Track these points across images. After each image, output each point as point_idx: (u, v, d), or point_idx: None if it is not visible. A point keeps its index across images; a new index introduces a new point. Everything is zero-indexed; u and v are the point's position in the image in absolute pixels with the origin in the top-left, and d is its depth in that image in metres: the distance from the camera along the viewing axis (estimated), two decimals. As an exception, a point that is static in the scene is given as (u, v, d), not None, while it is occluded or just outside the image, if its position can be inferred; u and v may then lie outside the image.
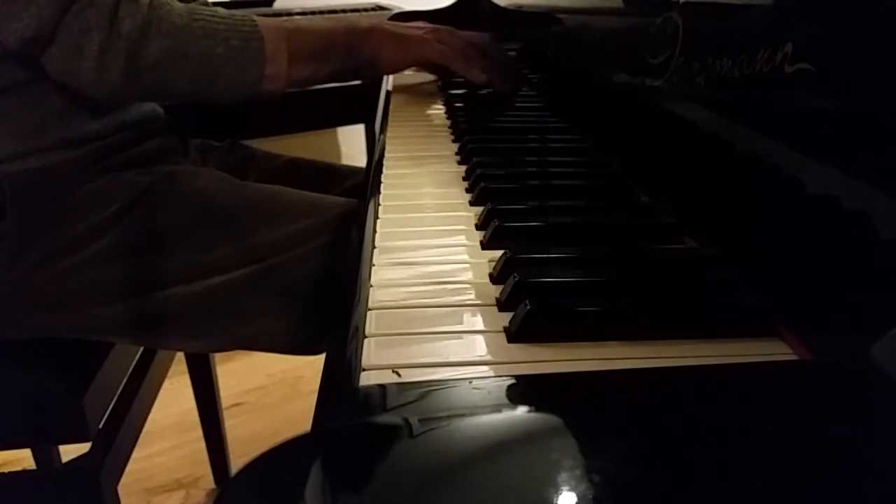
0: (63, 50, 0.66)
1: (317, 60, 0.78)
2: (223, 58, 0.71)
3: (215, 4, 0.99)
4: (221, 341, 0.73)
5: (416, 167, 0.65)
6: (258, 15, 1.02)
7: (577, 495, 0.20)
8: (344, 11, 1.56)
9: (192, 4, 0.73)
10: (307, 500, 0.21)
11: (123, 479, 0.77)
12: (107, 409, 0.76)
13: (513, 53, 1.13)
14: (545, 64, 0.97)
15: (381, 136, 0.76)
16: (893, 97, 0.32)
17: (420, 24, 0.90)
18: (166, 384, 0.95)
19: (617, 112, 0.68)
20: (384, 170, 0.64)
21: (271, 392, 1.56)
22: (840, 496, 0.21)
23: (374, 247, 0.47)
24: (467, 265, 0.44)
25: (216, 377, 1.23)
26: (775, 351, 0.35)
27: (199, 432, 1.27)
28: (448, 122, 0.82)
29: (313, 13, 1.51)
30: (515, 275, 0.39)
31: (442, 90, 0.99)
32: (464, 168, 0.63)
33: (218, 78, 0.72)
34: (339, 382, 0.33)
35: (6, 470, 0.76)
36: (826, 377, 0.29)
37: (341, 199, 0.77)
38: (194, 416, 1.25)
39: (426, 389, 0.29)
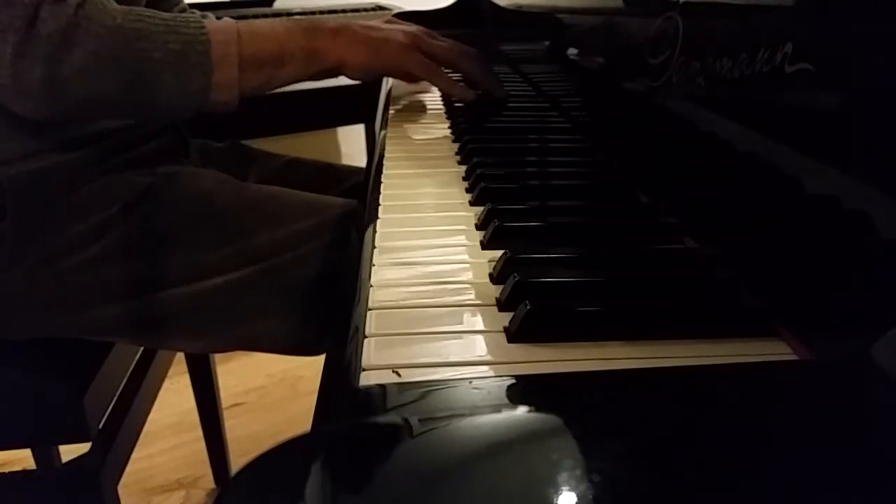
0: None
1: (272, 66, 0.70)
2: (160, 63, 0.64)
3: (213, 5, 0.99)
4: (221, 341, 0.73)
5: (416, 167, 0.65)
6: (258, 16, 1.01)
7: (577, 495, 0.20)
8: (344, 11, 1.56)
9: (133, 7, 0.66)
10: (307, 500, 0.21)
11: (123, 479, 0.77)
12: (107, 409, 0.76)
13: (514, 54, 1.13)
14: (545, 64, 0.97)
15: (381, 136, 0.76)
16: (893, 97, 0.32)
17: (400, 25, 0.82)
18: (166, 384, 0.95)
19: (617, 112, 0.68)
20: (384, 170, 0.64)
21: (271, 392, 1.56)
22: (840, 496, 0.21)
23: (374, 247, 0.47)
24: (467, 265, 0.44)
25: (216, 377, 1.23)
26: (775, 351, 0.35)
27: (199, 432, 1.27)
28: (448, 122, 0.82)
29: (313, 13, 1.51)
30: (515, 275, 0.39)
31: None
32: (464, 168, 0.63)
33: (157, 86, 0.65)
34: (339, 382, 0.33)
35: (6, 470, 0.76)
36: (826, 377, 0.29)
37: (341, 200, 0.77)
38: (194, 416, 1.25)
39: (426, 389, 0.29)
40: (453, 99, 0.84)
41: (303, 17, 1.46)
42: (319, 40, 0.73)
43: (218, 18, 0.76)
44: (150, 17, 0.65)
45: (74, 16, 0.61)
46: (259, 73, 0.70)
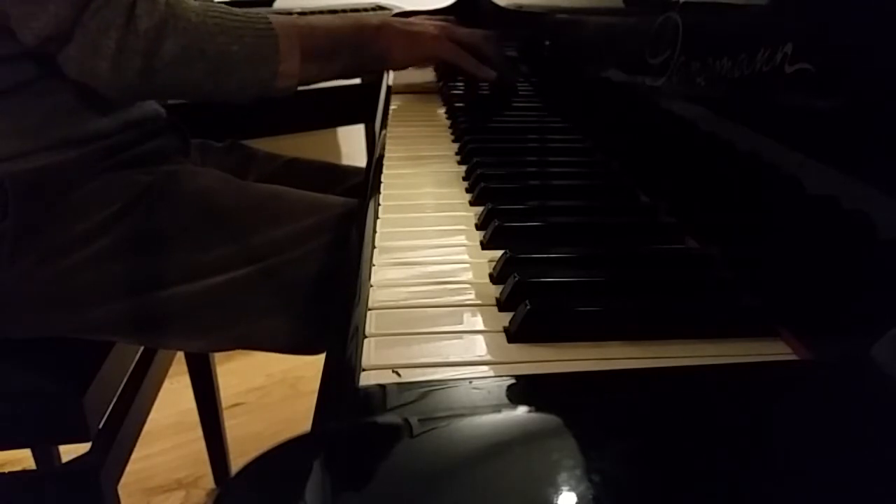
0: (80, 49, 0.66)
1: (327, 58, 0.78)
2: (238, 55, 0.71)
3: (219, 2, 0.99)
4: (222, 341, 0.73)
5: (416, 167, 0.65)
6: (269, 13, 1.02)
7: (577, 495, 0.20)
8: (344, 11, 1.56)
9: (205, 2, 0.73)
10: (307, 500, 0.21)
11: (123, 479, 0.77)
12: (107, 409, 0.76)
13: (512, 54, 1.13)
14: (545, 64, 0.97)
15: (382, 136, 0.76)
16: (893, 97, 0.32)
17: (426, 19, 0.91)
18: (166, 384, 0.95)
19: (617, 112, 0.68)
20: (384, 170, 0.64)
21: (271, 392, 1.56)
22: (840, 496, 0.21)
23: (374, 247, 0.47)
24: (467, 265, 0.44)
25: (216, 377, 1.23)
26: (775, 351, 0.35)
27: (199, 432, 1.27)
28: (448, 122, 0.82)
29: (313, 13, 1.51)
30: (515, 275, 0.39)
31: (442, 90, 0.99)
32: (464, 168, 0.63)
33: (233, 75, 0.72)
34: (339, 382, 0.33)
35: (6, 470, 0.76)
36: (826, 377, 0.29)
37: (341, 199, 0.77)
38: (194, 416, 1.25)
39: (426, 389, 0.29)
40: (479, 78, 0.90)
41: (309, 13, 1.48)
42: (366, 35, 0.82)
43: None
44: (226, 13, 0.72)
45: (164, 13, 0.67)
46: (316, 64, 0.77)
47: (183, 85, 0.72)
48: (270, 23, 0.74)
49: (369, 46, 0.82)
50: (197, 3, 0.71)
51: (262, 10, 0.79)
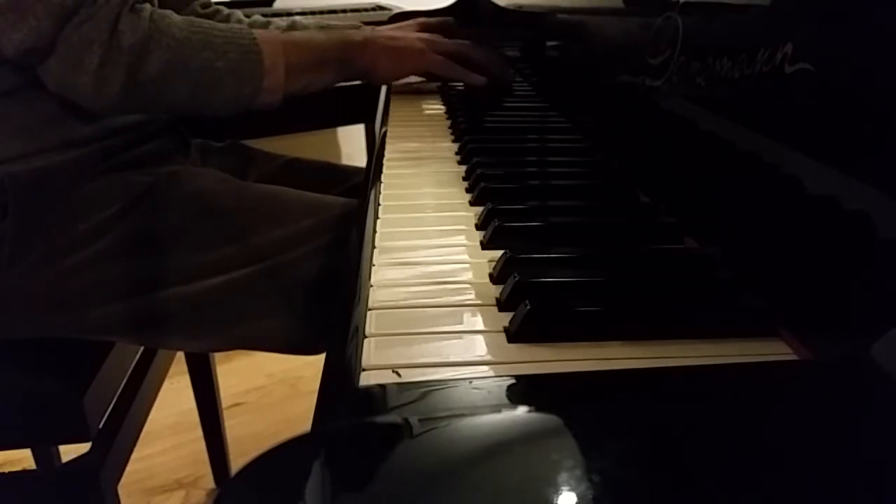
0: (62, 62, 0.66)
1: (312, 73, 0.79)
2: (222, 71, 0.71)
3: (217, 3, 0.99)
4: (222, 341, 0.73)
5: (416, 167, 0.65)
6: (259, 14, 1.02)
7: (577, 495, 0.20)
8: (344, 11, 1.56)
9: (191, 17, 0.73)
10: (307, 500, 0.21)
11: (123, 479, 0.77)
12: (107, 409, 0.76)
13: (513, 53, 1.13)
14: (545, 64, 0.97)
15: (382, 136, 0.76)
16: (893, 97, 0.32)
17: (412, 32, 0.92)
18: (166, 384, 0.95)
19: (617, 112, 0.68)
20: (384, 170, 0.64)
21: (271, 392, 1.56)
22: (840, 496, 0.21)
23: (374, 247, 0.47)
24: (467, 265, 0.44)
25: (216, 377, 1.23)
26: (775, 351, 0.35)
27: (199, 432, 1.27)
28: (448, 122, 0.82)
29: (313, 13, 1.51)
30: (515, 275, 0.39)
31: (442, 90, 0.99)
32: (464, 168, 0.63)
33: (217, 90, 0.72)
34: (339, 382, 0.33)
35: (6, 470, 0.76)
36: (826, 377, 0.29)
37: (341, 199, 0.77)
38: (194, 416, 1.25)
39: (426, 389, 0.29)
40: (468, 85, 0.91)
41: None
42: (351, 51, 0.82)
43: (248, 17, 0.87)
44: (210, 28, 0.72)
45: (149, 28, 0.67)
46: (300, 78, 0.78)
47: (167, 100, 0.71)
48: (255, 38, 0.74)
49: (354, 62, 0.82)
50: (181, 19, 0.71)
51: (258, 11, 0.80)
